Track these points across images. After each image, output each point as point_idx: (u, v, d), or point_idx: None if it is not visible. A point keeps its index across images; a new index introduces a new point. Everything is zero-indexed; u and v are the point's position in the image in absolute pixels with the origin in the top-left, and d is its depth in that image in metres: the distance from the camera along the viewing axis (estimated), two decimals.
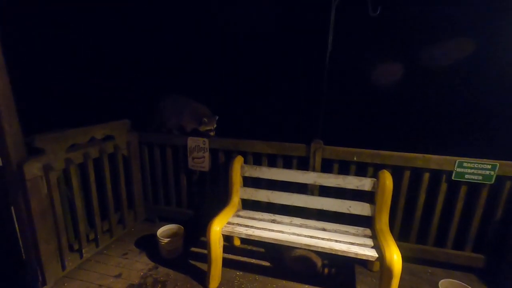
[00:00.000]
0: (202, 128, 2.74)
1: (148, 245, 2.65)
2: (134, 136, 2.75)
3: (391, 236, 2.03)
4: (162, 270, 2.37)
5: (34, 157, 1.89)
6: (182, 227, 2.61)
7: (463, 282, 2.03)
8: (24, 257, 2.04)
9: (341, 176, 2.31)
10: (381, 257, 1.86)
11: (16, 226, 1.99)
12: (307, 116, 2.65)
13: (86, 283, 2.19)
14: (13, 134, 1.79)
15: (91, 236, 2.49)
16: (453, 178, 2.21)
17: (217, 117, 2.78)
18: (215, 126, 2.76)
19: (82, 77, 3.17)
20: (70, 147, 2.14)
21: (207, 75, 3.18)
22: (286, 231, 2.18)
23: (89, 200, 2.37)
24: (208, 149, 2.68)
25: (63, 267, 2.19)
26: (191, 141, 2.69)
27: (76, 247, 2.34)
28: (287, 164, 2.56)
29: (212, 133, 2.77)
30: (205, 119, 2.69)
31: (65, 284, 2.17)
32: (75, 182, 2.16)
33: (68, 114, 2.69)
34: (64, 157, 2.08)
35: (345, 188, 2.33)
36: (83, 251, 2.34)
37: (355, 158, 2.38)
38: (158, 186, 2.96)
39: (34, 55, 2.91)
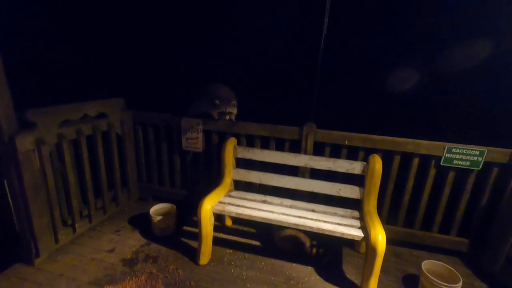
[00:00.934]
0: (215, 112, 2.55)
1: (141, 223, 2.70)
2: (128, 115, 2.75)
3: (378, 218, 2.08)
4: (154, 246, 2.42)
5: (26, 130, 1.89)
6: (175, 206, 2.65)
7: (447, 265, 2.09)
8: (17, 229, 2.08)
9: (332, 159, 2.34)
10: (367, 237, 1.91)
11: (9, 199, 2.01)
12: (301, 99, 2.65)
13: (79, 257, 2.25)
14: (5, 106, 1.80)
15: (85, 213, 2.53)
16: (441, 163, 2.25)
17: (233, 101, 2.52)
18: (229, 110, 2.51)
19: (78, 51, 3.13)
20: (62, 123, 2.14)
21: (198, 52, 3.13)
22: (276, 211, 2.22)
23: (82, 177, 2.40)
24: (202, 130, 2.69)
25: (56, 241, 2.23)
26: (185, 122, 2.70)
27: (69, 222, 2.38)
28: (280, 146, 2.58)
29: (227, 117, 2.55)
30: (217, 101, 2.48)
31: (58, 257, 2.22)
32: (68, 157, 2.17)
33: (62, 91, 2.67)
34: (57, 132, 2.09)
35: (336, 172, 2.36)
36: (76, 226, 2.38)
37: (346, 142, 2.40)
38: (152, 166, 2.99)
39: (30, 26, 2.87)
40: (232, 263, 2.28)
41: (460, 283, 1.91)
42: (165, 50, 3.20)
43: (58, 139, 2.10)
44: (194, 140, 2.74)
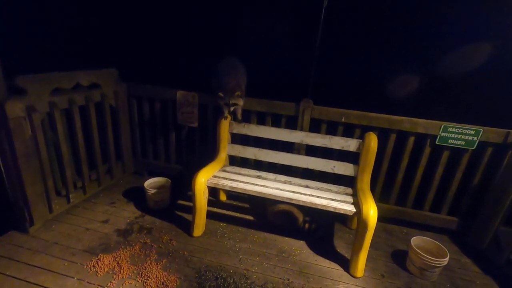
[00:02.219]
0: (222, 103, 2.29)
1: (136, 196, 2.71)
2: (122, 87, 2.69)
3: (371, 195, 2.09)
4: (149, 218, 2.44)
5: (16, 96, 1.85)
6: (170, 180, 2.65)
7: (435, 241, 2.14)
8: (11, 197, 2.07)
9: (328, 136, 2.33)
10: (359, 212, 1.94)
11: (1, 166, 1.99)
12: (298, 75, 2.60)
13: (74, 226, 2.26)
14: None
15: (79, 184, 2.53)
16: (437, 142, 2.25)
17: (237, 91, 2.23)
18: (233, 102, 2.25)
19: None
20: (54, 91, 2.09)
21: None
22: (270, 186, 2.23)
23: (75, 148, 2.37)
24: (197, 105, 2.65)
25: (50, 210, 2.24)
26: (181, 96, 2.65)
27: (63, 192, 2.38)
28: (276, 122, 2.56)
29: (231, 108, 2.28)
30: (220, 93, 2.24)
31: (53, 226, 2.23)
32: (60, 126, 2.14)
33: (54, 59, 2.60)
34: (48, 100, 2.05)
35: (332, 149, 2.36)
36: (70, 196, 2.39)
37: (343, 119, 2.39)
38: (147, 140, 2.96)
39: None
40: (226, 236, 2.31)
41: (447, 258, 1.96)
42: (161, 19, 3.08)
43: (49, 107, 2.06)
44: (189, 114, 2.70)
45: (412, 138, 2.33)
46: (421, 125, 2.25)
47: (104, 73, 2.52)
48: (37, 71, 2.02)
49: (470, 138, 2.17)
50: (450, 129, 2.18)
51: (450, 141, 2.21)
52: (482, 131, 2.14)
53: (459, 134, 2.18)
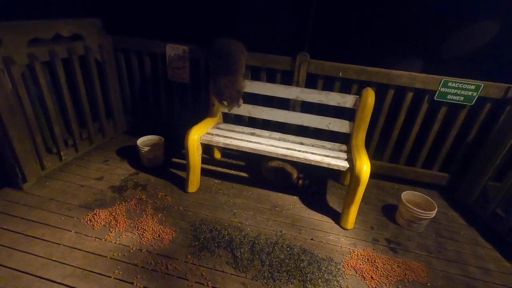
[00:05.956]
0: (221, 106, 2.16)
1: (129, 154, 2.69)
2: (108, 39, 2.52)
3: (365, 151, 2.09)
4: (143, 175, 2.45)
5: None
6: (163, 138, 2.62)
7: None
8: (0, 154, 2.03)
9: (324, 92, 2.26)
10: (352, 167, 1.94)
11: None
12: (295, 27, 2.44)
13: (68, 183, 2.26)
14: None
15: (70, 142, 2.48)
16: (435, 98, 2.19)
17: (239, 103, 2.16)
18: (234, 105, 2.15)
19: None
20: (32, 41, 1.95)
21: None
22: (264, 143, 2.21)
23: (63, 104, 2.29)
24: (188, 59, 2.52)
25: (42, 167, 2.22)
26: (170, 49, 2.50)
27: (54, 150, 2.34)
28: (271, 78, 2.46)
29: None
30: (225, 102, 2.09)
31: (47, 183, 2.23)
32: (42, 80, 2.03)
33: (30, 6, 2.38)
34: (27, 52, 1.91)
35: (328, 105, 2.30)
36: (62, 154, 2.35)
37: (340, 74, 2.30)
38: (137, 98, 2.86)
39: None
40: (220, 192, 2.35)
41: (435, 212, 2.03)
42: None
43: (29, 59, 1.93)
44: (180, 69, 2.58)
45: (410, 94, 2.26)
46: (420, 80, 2.17)
47: (86, 22, 2.33)
48: (12, 20, 1.86)
49: (470, 93, 2.11)
50: (450, 84, 2.11)
51: (449, 96, 2.16)
52: (482, 85, 2.07)
53: (459, 89, 2.12)
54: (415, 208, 2.01)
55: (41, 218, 1.91)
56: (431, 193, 2.55)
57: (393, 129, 2.43)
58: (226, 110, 2.34)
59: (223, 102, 2.10)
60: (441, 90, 2.15)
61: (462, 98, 2.14)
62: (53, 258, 1.65)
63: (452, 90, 2.13)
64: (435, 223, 2.20)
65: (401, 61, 2.25)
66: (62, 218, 1.93)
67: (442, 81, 2.12)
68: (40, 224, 1.87)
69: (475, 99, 2.13)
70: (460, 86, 2.10)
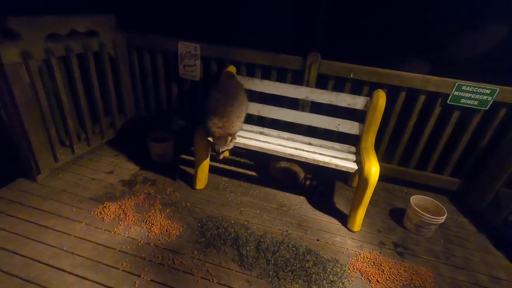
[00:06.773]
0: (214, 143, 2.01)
1: (140, 149, 2.72)
2: (121, 36, 2.56)
3: (374, 154, 2.07)
4: (152, 171, 2.48)
5: (10, 40, 1.77)
6: (173, 134, 2.65)
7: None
8: (16, 145, 2.09)
9: (334, 93, 2.25)
10: (360, 170, 1.93)
11: (4, 115, 1.97)
12: (306, 27, 2.43)
13: (79, 176, 2.32)
14: None
15: (83, 136, 2.54)
16: (448, 102, 2.15)
17: (230, 136, 1.97)
18: (223, 149, 2.01)
19: None
20: (49, 37, 2.00)
21: None
22: (272, 142, 2.21)
23: (76, 98, 2.34)
24: (199, 57, 2.54)
25: (56, 159, 2.28)
26: (182, 47, 2.53)
27: (67, 143, 2.39)
28: (281, 77, 2.46)
29: (220, 156, 2.06)
30: (210, 139, 1.99)
31: (60, 175, 2.29)
32: (58, 75, 2.08)
33: (48, 6, 2.44)
34: (44, 47, 1.96)
35: (338, 106, 2.28)
36: (74, 147, 2.41)
37: (351, 75, 2.28)
38: (149, 94, 2.90)
39: None
40: (228, 189, 2.36)
41: (444, 217, 1.99)
42: None
43: (46, 54, 1.98)
44: (191, 67, 2.60)
45: (422, 96, 2.23)
46: (433, 82, 2.14)
47: (101, 19, 2.37)
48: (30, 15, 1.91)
49: (484, 97, 2.07)
50: (464, 87, 2.07)
51: (462, 100, 2.12)
52: (498, 90, 2.02)
53: (473, 93, 2.07)
54: (423, 213, 1.98)
55: (54, 209, 1.97)
56: (441, 198, 2.51)
57: (404, 132, 2.40)
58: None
59: (209, 138, 1.99)
60: (455, 93, 2.10)
61: (476, 103, 2.10)
62: (64, 248, 1.70)
63: (466, 94, 2.08)
64: (444, 229, 2.17)
65: (413, 63, 2.22)
66: (74, 210, 1.98)
67: (456, 84, 2.08)
68: (53, 215, 1.92)
69: (489, 104, 2.08)
70: (474, 90, 2.06)
